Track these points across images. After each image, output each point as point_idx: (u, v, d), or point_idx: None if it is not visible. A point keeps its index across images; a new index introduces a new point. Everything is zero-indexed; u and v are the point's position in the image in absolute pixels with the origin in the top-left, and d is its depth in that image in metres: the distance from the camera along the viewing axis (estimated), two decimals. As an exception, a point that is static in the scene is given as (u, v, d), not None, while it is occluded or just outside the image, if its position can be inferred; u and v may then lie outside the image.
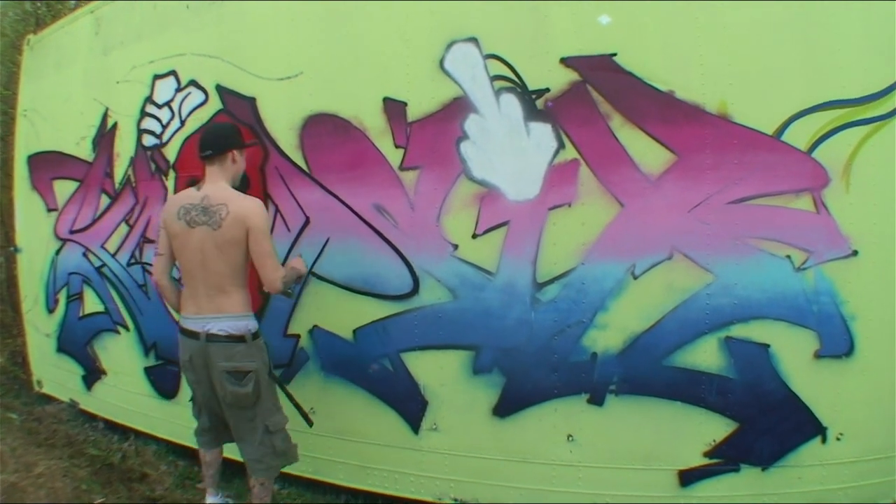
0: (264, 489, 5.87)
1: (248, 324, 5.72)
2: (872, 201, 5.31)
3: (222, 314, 5.67)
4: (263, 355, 5.77)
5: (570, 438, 5.73)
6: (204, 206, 5.65)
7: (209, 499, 6.25)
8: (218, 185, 5.75)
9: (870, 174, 5.30)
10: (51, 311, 9.73)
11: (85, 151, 8.80)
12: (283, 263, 6.08)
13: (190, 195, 5.79)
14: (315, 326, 6.60)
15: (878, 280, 5.35)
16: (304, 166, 6.52)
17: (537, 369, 5.76)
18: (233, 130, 6.05)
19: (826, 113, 5.24)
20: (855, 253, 5.29)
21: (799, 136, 5.25)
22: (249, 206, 5.59)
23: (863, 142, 5.25)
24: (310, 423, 6.06)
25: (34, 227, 9.92)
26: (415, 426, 6.24)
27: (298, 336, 6.68)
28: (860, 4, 5.32)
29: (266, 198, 6.71)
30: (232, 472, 6.68)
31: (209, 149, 5.81)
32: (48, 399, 10.03)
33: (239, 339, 5.62)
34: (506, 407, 5.89)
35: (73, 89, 8.97)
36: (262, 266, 5.57)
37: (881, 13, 5.33)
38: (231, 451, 6.19)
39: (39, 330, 10.08)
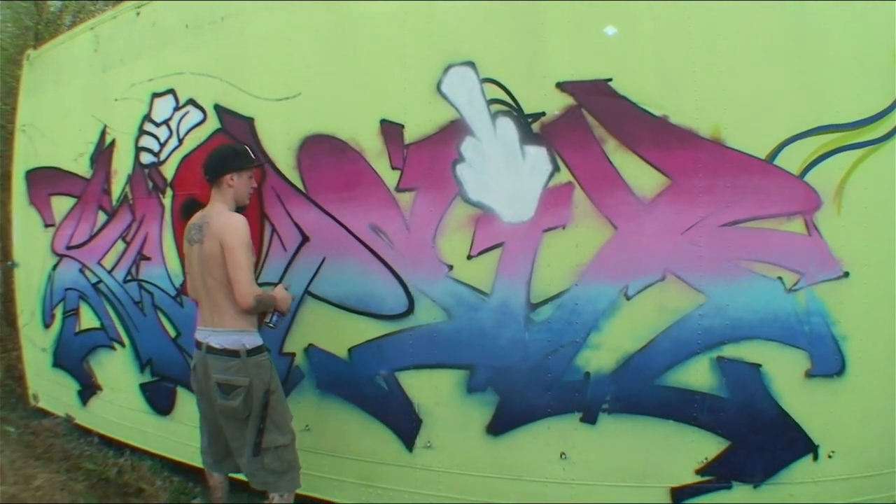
0: (283, 500, 5.88)
1: (243, 339, 5.74)
2: (864, 224, 5.37)
3: (218, 328, 5.79)
4: (262, 373, 5.74)
5: (564, 456, 5.76)
6: (200, 224, 5.89)
7: None
8: (216, 208, 5.93)
9: (862, 197, 5.35)
10: (47, 326, 9.73)
11: (83, 168, 8.82)
12: (279, 283, 6.23)
13: (197, 215, 6.04)
14: (310, 345, 6.63)
15: (870, 301, 5.40)
16: (301, 186, 6.55)
17: (531, 388, 5.79)
18: (230, 153, 6.13)
19: (819, 137, 5.30)
20: (846, 275, 5.35)
21: (791, 159, 5.31)
22: (225, 222, 5.74)
23: (855, 165, 5.31)
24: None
25: (31, 243, 9.92)
26: (409, 444, 6.26)
27: (294, 354, 6.71)
28: (855, 29, 5.40)
29: (263, 217, 6.77)
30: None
31: (207, 174, 6.04)
32: (44, 413, 10.00)
33: (233, 353, 5.68)
34: (500, 425, 5.92)
35: (72, 105, 8.99)
36: (234, 280, 5.62)
37: (876, 38, 5.41)
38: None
39: (35, 344, 10.08)
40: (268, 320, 5.98)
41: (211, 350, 5.77)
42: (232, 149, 6.28)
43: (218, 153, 6.19)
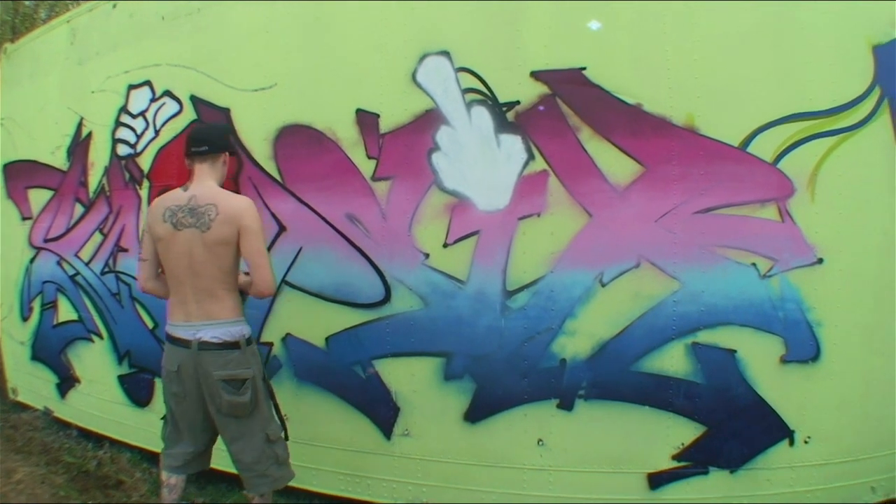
0: (264, 500, 5.58)
1: (242, 329, 5.42)
2: (838, 210, 5.45)
3: (214, 320, 5.33)
4: (258, 362, 5.52)
5: (541, 443, 5.78)
6: (191, 206, 5.32)
7: None
8: (206, 185, 5.45)
9: (836, 184, 5.43)
10: (25, 319, 9.74)
11: (60, 161, 8.83)
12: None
13: (176, 196, 5.46)
14: (288, 334, 6.63)
15: (844, 287, 5.48)
16: (277, 176, 6.57)
17: (508, 375, 5.82)
18: (229, 133, 6.19)
19: (792, 125, 5.37)
20: (820, 261, 5.41)
21: (765, 147, 5.37)
22: (241, 205, 5.30)
23: (829, 152, 5.38)
24: (286, 437, 5.84)
25: (9, 236, 9.93)
26: (387, 432, 6.27)
27: (271, 344, 6.71)
28: (829, 17, 5.45)
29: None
30: (206, 479, 6.72)
31: (204, 144, 5.58)
32: (23, 407, 9.98)
33: (233, 345, 5.30)
34: (477, 412, 5.95)
35: (49, 98, 9.00)
36: (258, 266, 5.25)
37: (851, 24, 5.48)
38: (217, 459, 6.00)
39: (14, 338, 10.08)
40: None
41: (206, 346, 5.27)
42: (229, 128, 6.36)
43: (219, 128, 6.22)
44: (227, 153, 5.72)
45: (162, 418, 6.03)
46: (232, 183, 6.46)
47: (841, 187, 5.44)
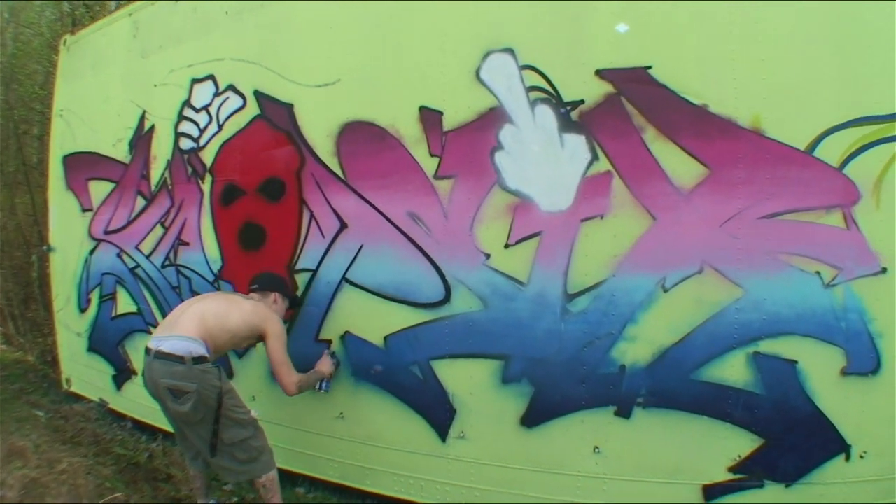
0: (266, 490, 6.10)
1: (191, 346, 5.89)
2: (902, 219, 5.28)
3: (172, 335, 6.01)
4: (209, 379, 5.86)
5: (597, 450, 5.73)
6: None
7: (200, 501, 6.55)
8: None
9: (901, 191, 5.27)
10: (83, 310, 9.83)
11: (122, 153, 8.91)
12: (313, 280, 6.69)
13: None
14: (347, 332, 6.64)
15: (906, 298, 5.32)
16: (340, 173, 6.57)
17: (566, 380, 5.76)
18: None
19: (859, 129, 5.19)
20: (884, 270, 5.24)
21: (831, 151, 5.21)
22: (266, 313, 6.32)
23: (894, 158, 5.22)
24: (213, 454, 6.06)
25: (68, 227, 10.04)
26: (442, 434, 6.26)
27: (330, 341, 6.73)
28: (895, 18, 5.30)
29: (301, 203, 6.83)
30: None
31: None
32: (77, 398, 10.12)
33: (179, 359, 5.82)
34: (533, 417, 5.89)
35: (111, 91, 9.09)
36: (277, 374, 6.22)
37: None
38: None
39: (70, 329, 10.17)
40: (318, 388, 6.35)
41: (159, 355, 5.88)
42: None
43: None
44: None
45: None
46: (294, 178, 6.47)
47: (906, 195, 5.30)
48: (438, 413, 6.26)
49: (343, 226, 6.58)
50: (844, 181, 5.21)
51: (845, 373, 5.29)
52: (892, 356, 5.28)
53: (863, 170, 5.20)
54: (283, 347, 6.16)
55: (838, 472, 5.38)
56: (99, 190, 9.38)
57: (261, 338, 6.27)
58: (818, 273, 5.25)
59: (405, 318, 6.31)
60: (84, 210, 9.68)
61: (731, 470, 5.48)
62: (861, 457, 5.35)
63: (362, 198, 6.45)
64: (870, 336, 5.27)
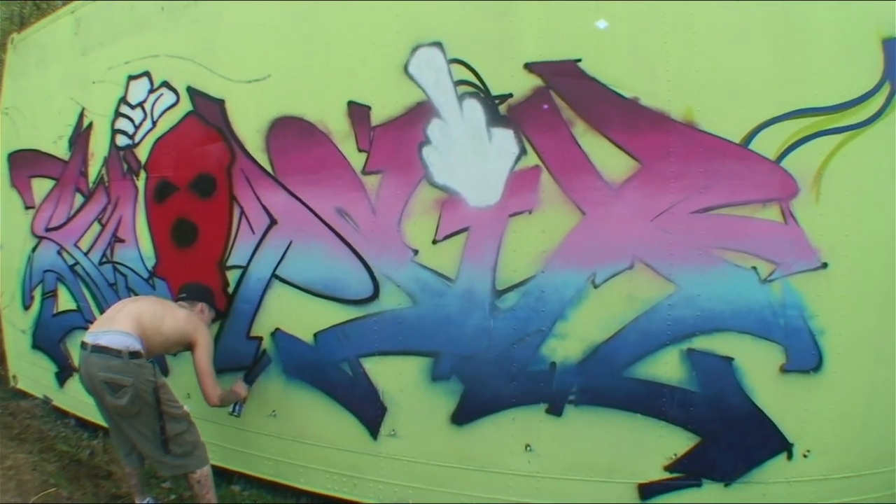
0: (200, 486, 6.13)
1: (128, 341, 5.91)
2: (844, 212, 5.22)
3: (110, 329, 6.03)
4: (145, 373, 5.87)
5: (529, 448, 5.68)
6: None
7: (137, 500, 6.55)
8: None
9: (842, 184, 5.19)
10: (27, 307, 9.83)
11: (62, 150, 8.88)
12: (244, 277, 6.65)
13: None
14: (277, 329, 6.60)
15: (849, 294, 5.25)
16: (269, 169, 6.52)
17: (496, 377, 5.71)
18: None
19: (797, 121, 5.14)
20: (825, 265, 5.19)
21: (768, 144, 5.16)
22: (197, 324, 6.40)
23: (835, 151, 5.15)
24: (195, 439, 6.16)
25: (13, 225, 10.03)
26: (374, 432, 6.23)
27: (261, 338, 6.69)
28: (835, 10, 5.22)
29: (232, 199, 6.76)
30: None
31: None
32: (24, 395, 10.18)
33: (116, 353, 5.82)
34: (464, 415, 5.86)
35: (53, 88, 9.04)
36: (201, 384, 6.29)
37: (860, 17, 5.24)
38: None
39: (16, 326, 10.21)
40: (231, 411, 6.37)
41: (96, 349, 5.86)
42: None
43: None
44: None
45: None
46: (225, 174, 6.40)
47: (847, 188, 5.21)
48: (369, 411, 6.24)
49: (273, 222, 6.53)
50: (782, 174, 5.17)
51: (785, 370, 5.25)
52: (835, 353, 5.26)
53: (801, 163, 5.17)
54: (210, 358, 6.22)
55: (780, 471, 5.35)
56: (41, 187, 9.37)
57: (189, 346, 6.29)
58: (754, 268, 5.22)
59: (334, 314, 6.27)
60: (27, 207, 9.67)
61: (668, 469, 5.45)
62: (805, 456, 5.33)
63: (291, 193, 6.40)
64: (811, 333, 5.24)
